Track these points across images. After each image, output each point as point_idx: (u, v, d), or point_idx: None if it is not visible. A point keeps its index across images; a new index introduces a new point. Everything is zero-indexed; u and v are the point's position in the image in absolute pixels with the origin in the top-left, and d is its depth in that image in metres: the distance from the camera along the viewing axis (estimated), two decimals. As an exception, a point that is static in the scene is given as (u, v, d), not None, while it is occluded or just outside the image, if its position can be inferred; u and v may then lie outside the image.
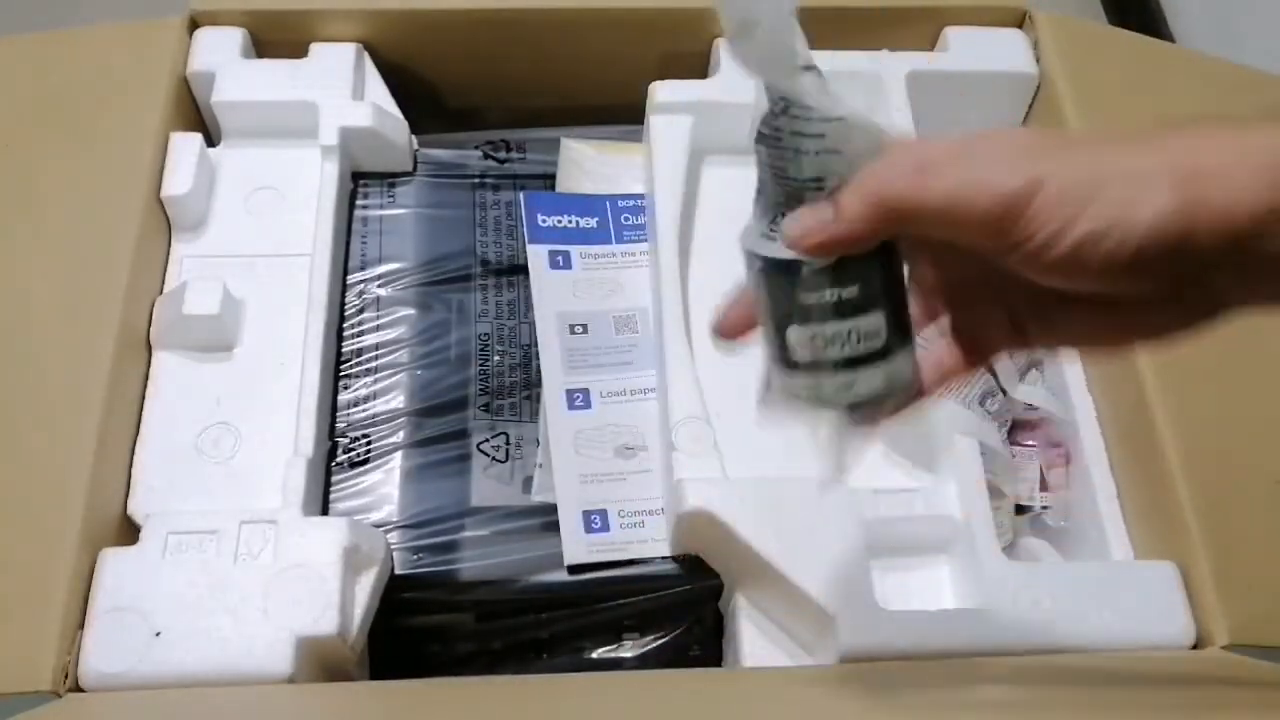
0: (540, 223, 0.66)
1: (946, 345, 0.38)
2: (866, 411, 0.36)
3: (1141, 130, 0.32)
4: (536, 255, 0.65)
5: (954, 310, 0.38)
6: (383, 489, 0.57)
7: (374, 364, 0.61)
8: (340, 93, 0.65)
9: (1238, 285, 0.32)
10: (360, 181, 0.67)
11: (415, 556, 0.55)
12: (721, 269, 0.63)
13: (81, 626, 0.48)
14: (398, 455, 0.58)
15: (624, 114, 0.69)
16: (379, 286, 0.63)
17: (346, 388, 0.60)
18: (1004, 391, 0.59)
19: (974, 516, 0.54)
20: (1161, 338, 0.34)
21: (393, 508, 0.56)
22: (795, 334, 0.34)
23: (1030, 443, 0.61)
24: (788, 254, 0.33)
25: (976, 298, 0.37)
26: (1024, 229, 0.31)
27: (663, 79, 0.66)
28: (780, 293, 0.34)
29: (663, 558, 0.55)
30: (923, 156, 0.32)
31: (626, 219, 0.67)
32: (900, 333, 0.35)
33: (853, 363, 0.34)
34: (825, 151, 0.32)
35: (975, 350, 0.38)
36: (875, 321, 0.34)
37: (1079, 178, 0.31)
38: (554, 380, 0.60)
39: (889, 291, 0.34)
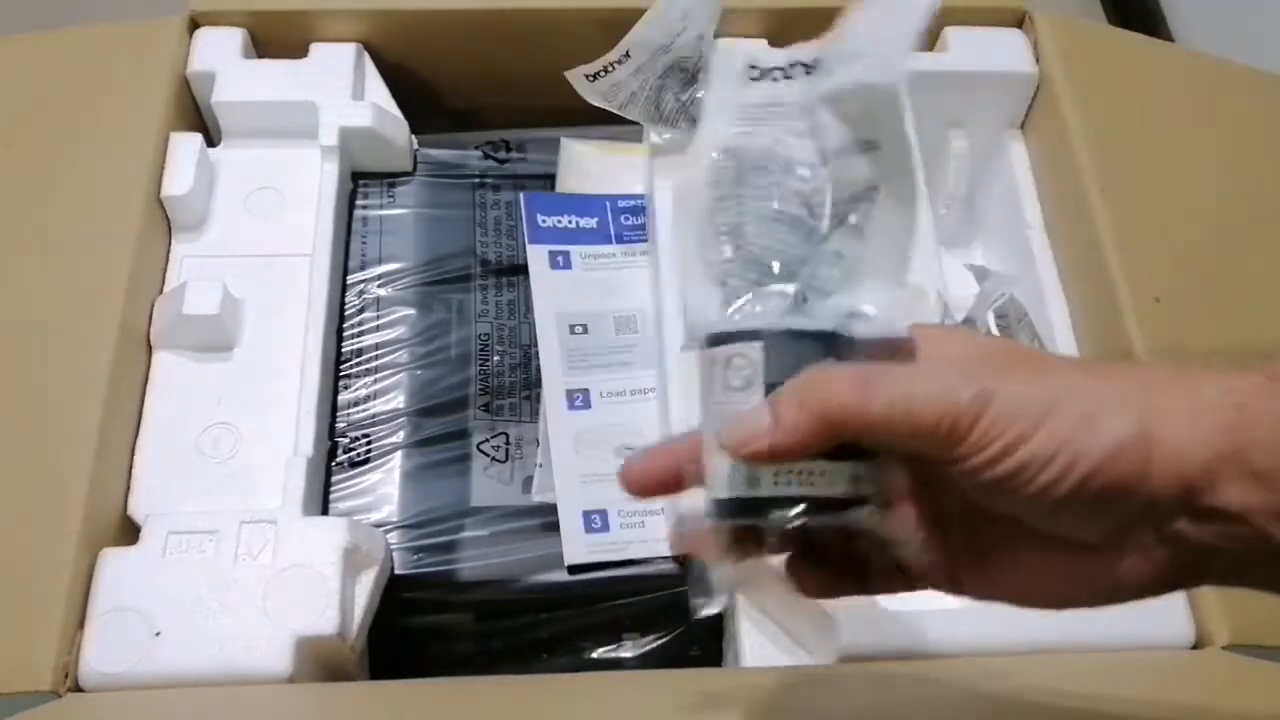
0: (540, 223, 0.66)
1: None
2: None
3: (1099, 359, 0.30)
4: (536, 255, 0.65)
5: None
6: (383, 489, 0.57)
7: (374, 364, 0.61)
8: (340, 93, 0.65)
9: (1196, 556, 0.29)
10: (360, 181, 0.67)
11: (415, 556, 0.55)
12: (721, 269, 0.64)
13: (81, 626, 0.48)
14: (398, 455, 0.58)
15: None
16: (379, 286, 0.63)
17: (346, 388, 0.60)
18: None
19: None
20: (1106, 595, 0.31)
21: (393, 508, 0.56)
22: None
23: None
24: (799, 324, 0.31)
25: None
26: (973, 443, 0.29)
27: (662, 79, 0.66)
28: (778, 367, 0.31)
29: (663, 558, 0.55)
30: (869, 367, 0.30)
31: (626, 219, 0.67)
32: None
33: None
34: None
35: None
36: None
37: (1033, 394, 0.29)
38: (554, 380, 0.60)
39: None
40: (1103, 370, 0.30)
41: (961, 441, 0.29)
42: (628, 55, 0.59)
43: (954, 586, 0.33)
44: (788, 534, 0.31)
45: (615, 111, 0.61)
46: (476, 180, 0.68)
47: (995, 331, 0.60)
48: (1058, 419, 0.28)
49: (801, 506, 0.30)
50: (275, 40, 0.68)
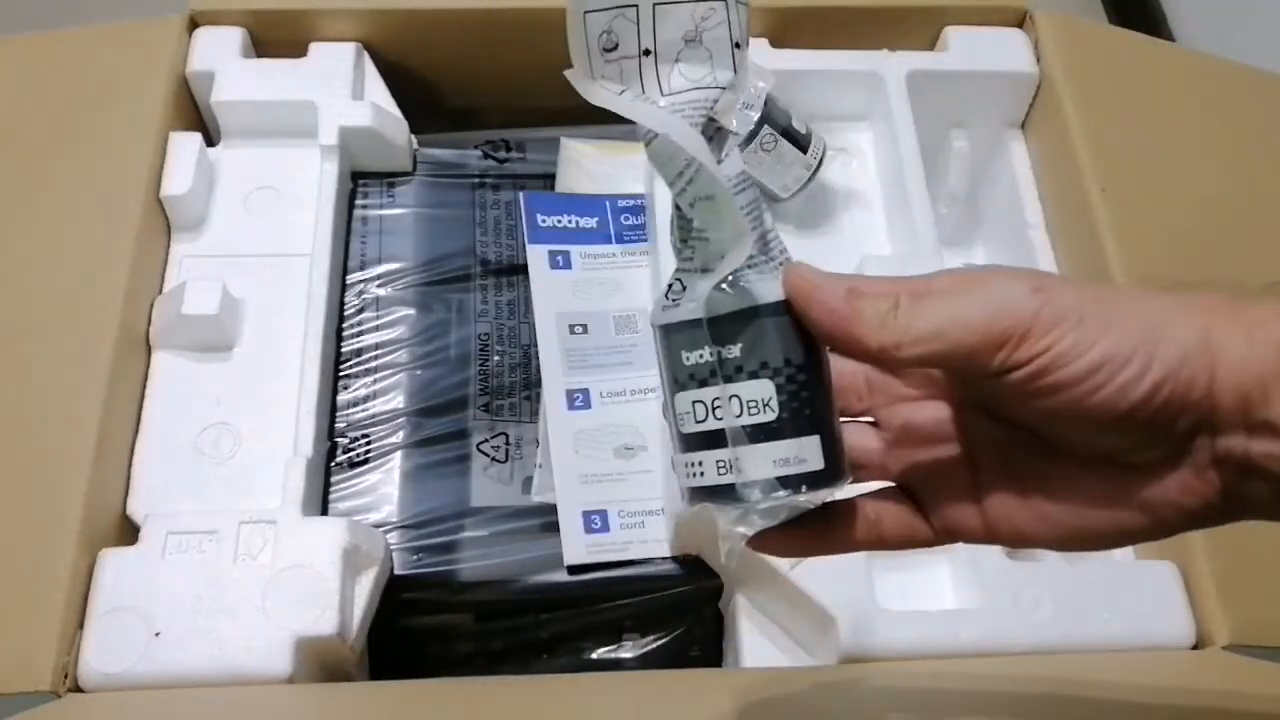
0: (540, 223, 0.66)
1: (891, 505, 0.33)
2: (755, 510, 0.30)
3: (1146, 286, 0.30)
4: (536, 255, 0.64)
5: (911, 465, 0.33)
6: (382, 489, 0.57)
7: (374, 364, 0.61)
8: (340, 92, 0.65)
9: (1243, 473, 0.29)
10: (360, 181, 0.67)
11: (415, 557, 0.55)
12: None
13: (81, 627, 0.48)
14: (397, 455, 0.58)
15: (624, 114, 0.69)
16: (378, 286, 0.63)
17: (346, 388, 0.60)
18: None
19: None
20: (1148, 524, 0.30)
21: (392, 508, 0.56)
22: (679, 400, 0.30)
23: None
24: (679, 316, 0.30)
25: (944, 457, 0.33)
26: (1029, 346, 0.28)
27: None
28: (672, 360, 0.31)
29: (663, 558, 0.55)
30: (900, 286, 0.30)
31: (626, 219, 0.67)
32: (802, 415, 0.30)
33: (739, 436, 0.29)
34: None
35: (922, 517, 0.33)
36: (762, 390, 0.29)
37: (1095, 305, 0.28)
38: (554, 380, 0.60)
39: (788, 360, 0.30)
40: (1155, 290, 0.30)
41: (1021, 344, 0.28)
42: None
43: (987, 527, 0.32)
44: None
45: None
46: (476, 180, 0.68)
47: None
48: (1126, 322, 0.28)
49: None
50: (275, 40, 0.68)
